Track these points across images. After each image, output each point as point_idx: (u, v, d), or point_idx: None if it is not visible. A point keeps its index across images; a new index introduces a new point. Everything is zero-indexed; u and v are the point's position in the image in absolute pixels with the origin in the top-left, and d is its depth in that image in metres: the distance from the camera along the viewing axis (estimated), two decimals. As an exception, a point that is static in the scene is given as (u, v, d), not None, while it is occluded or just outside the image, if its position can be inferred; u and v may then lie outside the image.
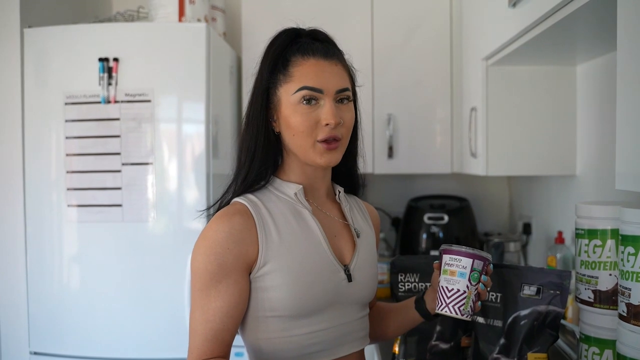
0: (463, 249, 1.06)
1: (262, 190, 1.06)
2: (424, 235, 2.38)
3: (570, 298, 1.60)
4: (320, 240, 1.04)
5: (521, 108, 1.89)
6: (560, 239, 1.95)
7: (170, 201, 1.99)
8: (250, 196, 1.04)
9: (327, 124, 1.00)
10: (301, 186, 1.06)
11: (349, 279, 1.05)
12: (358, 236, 1.11)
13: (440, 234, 2.36)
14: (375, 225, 1.22)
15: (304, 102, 1.00)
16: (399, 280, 1.37)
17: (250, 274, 1.00)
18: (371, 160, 2.35)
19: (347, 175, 1.16)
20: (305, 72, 1.01)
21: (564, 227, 1.98)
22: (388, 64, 2.34)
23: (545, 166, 1.91)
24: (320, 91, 1.01)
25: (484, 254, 1.07)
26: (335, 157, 1.03)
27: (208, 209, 1.11)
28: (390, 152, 2.33)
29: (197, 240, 1.01)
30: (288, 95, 1.02)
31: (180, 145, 2.00)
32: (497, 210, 2.70)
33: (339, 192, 1.13)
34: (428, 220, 2.35)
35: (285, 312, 0.99)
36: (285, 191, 1.06)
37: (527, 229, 2.34)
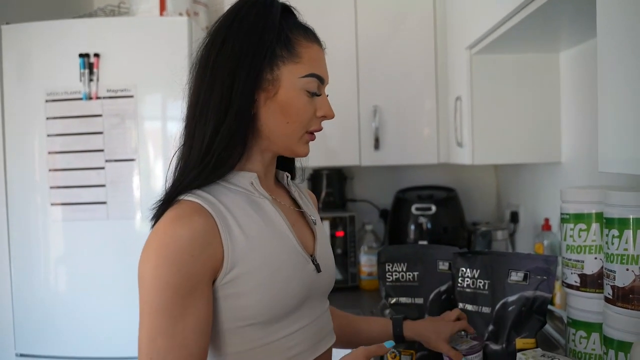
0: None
1: (209, 184, 0.91)
2: (412, 227, 2.39)
3: (558, 284, 1.62)
4: (286, 231, 0.94)
5: (505, 96, 1.90)
6: (547, 226, 1.97)
7: (155, 198, 1.97)
8: (199, 192, 0.89)
9: (323, 116, 0.95)
10: (255, 174, 0.94)
11: (318, 269, 0.97)
12: (315, 224, 1.03)
13: (429, 225, 2.37)
14: (315, 206, 1.15)
15: (310, 90, 0.92)
16: (387, 270, 1.38)
17: (214, 281, 0.87)
18: (357, 152, 2.36)
19: (286, 160, 1.07)
20: (314, 56, 0.93)
21: (551, 214, 2.00)
22: (373, 56, 2.34)
23: (530, 154, 1.93)
24: (323, 81, 0.95)
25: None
26: (309, 149, 0.99)
27: (159, 205, 0.92)
28: (377, 144, 2.33)
29: (148, 249, 0.85)
30: (294, 77, 0.91)
31: (165, 142, 1.98)
32: (485, 199, 2.72)
33: (287, 176, 1.04)
34: (416, 211, 2.36)
35: (261, 318, 0.88)
36: (239, 182, 0.93)
37: (514, 217, 2.36)
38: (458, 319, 1.23)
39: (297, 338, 0.93)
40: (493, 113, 1.90)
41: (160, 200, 0.91)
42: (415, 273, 1.36)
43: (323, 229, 1.08)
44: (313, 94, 0.93)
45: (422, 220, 2.35)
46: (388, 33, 2.34)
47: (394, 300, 1.36)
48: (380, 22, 2.35)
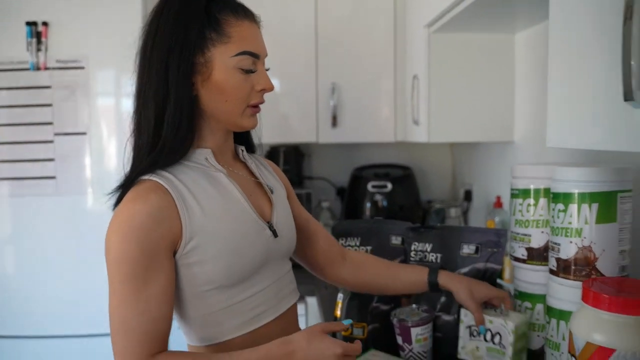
0: None
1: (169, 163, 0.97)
2: (368, 204, 2.42)
3: (507, 259, 1.68)
4: (241, 201, 1.00)
5: (462, 75, 1.93)
6: (498, 204, 2.03)
7: (108, 174, 1.94)
8: (158, 171, 0.96)
9: (262, 90, 1.00)
10: (210, 150, 1.01)
11: (275, 234, 1.04)
12: (272, 192, 1.10)
13: (384, 203, 2.40)
14: (281, 178, 1.20)
15: (244, 67, 0.97)
16: (340, 244, 1.39)
17: (176, 253, 0.94)
18: (315, 130, 2.36)
19: (242, 135, 1.13)
20: (245, 34, 0.97)
21: (502, 192, 2.06)
22: (332, 33, 2.34)
23: (484, 133, 1.97)
24: (257, 56, 0.99)
25: None
26: (257, 120, 1.04)
27: (119, 189, 0.97)
28: (335, 122, 2.34)
29: (111, 227, 0.92)
30: (225, 58, 0.96)
31: (119, 117, 1.94)
32: (440, 178, 2.77)
33: (242, 150, 1.10)
34: (372, 188, 2.39)
35: (222, 282, 0.96)
36: (195, 158, 0.99)
37: (468, 195, 2.42)
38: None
39: (259, 299, 1.01)
40: (449, 92, 1.93)
41: (119, 186, 0.97)
42: (369, 247, 1.38)
43: (282, 196, 1.13)
44: (248, 71, 0.98)
45: (378, 197, 2.38)
46: (348, 10, 2.34)
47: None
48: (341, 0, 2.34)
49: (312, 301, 2.02)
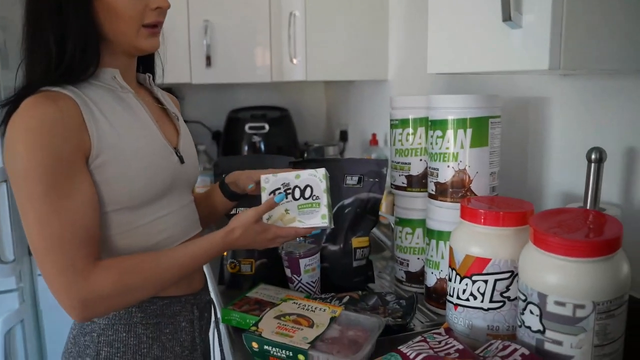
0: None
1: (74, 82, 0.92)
2: (246, 147, 2.39)
3: (385, 193, 1.75)
4: (150, 123, 0.99)
5: (339, 13, 1.94)
6: (374, 141, 2.10)
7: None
8: (63, 86, 0.89)
9: (158, 8, 0.95)
10: (117, 70, 0.97)
11: (181, 160, 1.04)
12: (177, 119, 1.10)
13: (262, 144, 2.38)
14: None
15: None
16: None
17: None
18: (188, 70, 2.26)
19: (146, 63, 1.11)
20: None
21: (378, 130, 2.13)
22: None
23: (361, 71, 2.00)
24: None
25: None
26: (158, 42, 1.00)
27: (9, 103, 0.88)
28: (209, 61, 2.25)
29: (12, 137, 0.83)
30: None
31: None
32: (316, 119, 2.80)
33: (149, 77, 1.09)
34: (249, 130, 2.36)
35: (130, 203, 0.93)
36: (102, 78, 0.95)
37: (343, 135, 2.48)
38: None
39: (166, 222, 1.00)
40: (326, 30, 1.93)
41: (10, 99, 0.88)
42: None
43: (184, 125, 1.13)
44: None
45: (256, 139, 2.36)
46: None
47: (233, 212, 1.36)
48: None
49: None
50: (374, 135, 2.11)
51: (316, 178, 1.07)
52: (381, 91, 2.09)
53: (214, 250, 0.97)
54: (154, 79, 1.12)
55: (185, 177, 1.06)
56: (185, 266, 0.94)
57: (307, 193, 1.07)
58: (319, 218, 1.05)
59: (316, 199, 1.06)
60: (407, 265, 1.32)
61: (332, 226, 1.09)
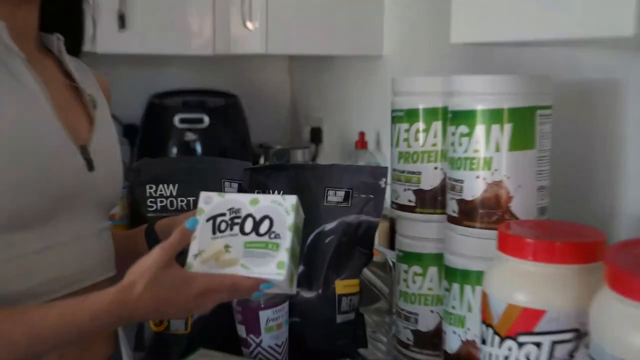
0: None
1: None
2: (175, 148, 2.38)
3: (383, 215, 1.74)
4: (44, 105, 0.97)
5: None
6: (362, 143, 2.11)
7: None
8: None
9: None
10: (3, 23, 0.96)
11: (90, 166, 1.02)
12: (95, 107, 1.09)
13: (198, 145, 2.38)
14: (108, 100, 1.21)
15: None
16: (148, 195, 1.34)
17: None
18: (90, 32, 2.22)
19: (64, 22, 1.13)
20: None
21: (367, 127, 2.14)
22: None
23: (345, 43, 2.03)
24: None
25: None
26: None
27: None
28: (122, 22, 2.22)
29: None
30: None
31: None
32: (277, 112, 2.82)
33: (58, 39, 1.09)
34: (180, 123, 2.36)
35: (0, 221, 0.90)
36: None
37: (316, 135, 2.49)
38: None
39: (52, 258, 0.96)
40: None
41: None
42: (191, 199, 1.34)
43: (107, 117, 1.14)
44: None
45: (190, 137, 2.37)
46: None
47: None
48: None
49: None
50: (361, 134, 2.12)
51: (281, 208, 1.03)
52: (373, 72, 2.11)
53: (99, 322, 0.88)
54: (75, 46, 1.14)
55: (95, 192, 1.04)
56: (48, 340, 0.87)
57: (264, 227, 1.02)
58: (273, 266, 0.99)
59: (275, 237, 1.01)
60: (416, 321, 1.31)
61: (294, 291, 1.03)
